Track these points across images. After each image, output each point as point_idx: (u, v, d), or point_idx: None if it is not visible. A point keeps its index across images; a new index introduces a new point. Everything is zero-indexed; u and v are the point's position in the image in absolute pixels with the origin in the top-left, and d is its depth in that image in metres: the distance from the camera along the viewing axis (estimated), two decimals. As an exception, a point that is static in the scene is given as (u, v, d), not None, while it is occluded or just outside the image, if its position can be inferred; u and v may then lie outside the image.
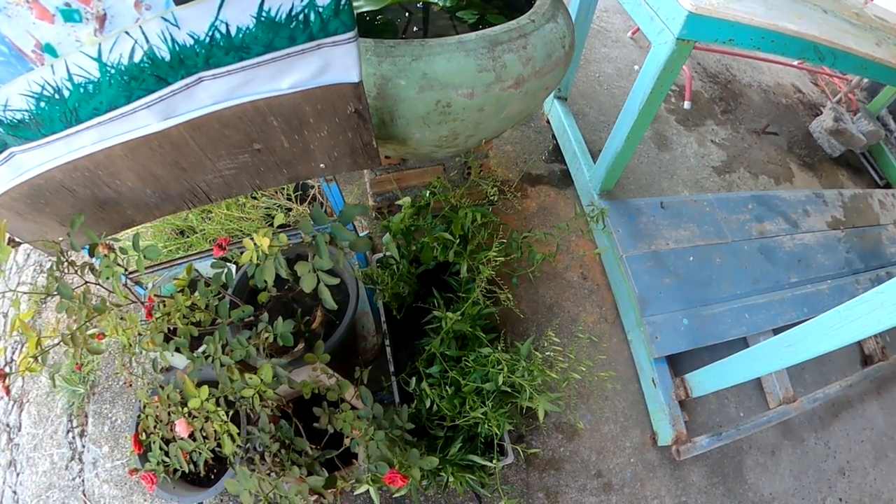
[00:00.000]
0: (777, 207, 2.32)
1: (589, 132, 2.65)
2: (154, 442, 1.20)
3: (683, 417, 1.76)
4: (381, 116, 1.25)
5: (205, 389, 1.06)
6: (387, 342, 1.52)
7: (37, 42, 0.80)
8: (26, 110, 0.91)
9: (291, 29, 0.88)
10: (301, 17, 0.86)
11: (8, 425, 1.89)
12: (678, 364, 1.92)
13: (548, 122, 2.69)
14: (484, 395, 1.37)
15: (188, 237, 1.77)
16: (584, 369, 1.42)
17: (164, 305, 1.21)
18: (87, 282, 1.17)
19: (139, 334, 1.16)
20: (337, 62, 0.97)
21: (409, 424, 1.28)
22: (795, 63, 3.54)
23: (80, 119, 0.95)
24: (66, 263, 1.15)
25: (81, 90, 0.89)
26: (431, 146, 1.38)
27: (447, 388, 1.40)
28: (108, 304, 1.13)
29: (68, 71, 0.86)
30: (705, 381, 1.69)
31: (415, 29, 1.53)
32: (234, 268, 1.33)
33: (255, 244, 0.92)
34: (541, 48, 1.32)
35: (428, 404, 1.39)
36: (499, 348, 1.38)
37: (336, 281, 0.97)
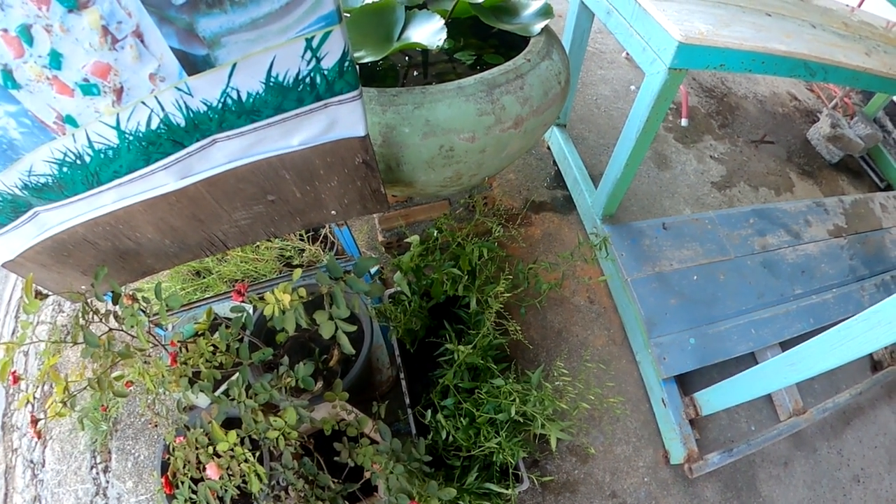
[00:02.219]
0: (778, 220, 2.34)
1: (589, 156, 2.70)
2: (183, 482, 1.24)
3: (694, 435, 1.78)
4: (387, 162, 1.30)
5: (233, 434, 1.10)
6: (402, 376, 1.56)
7: (58, 114, 0.85)
8: (49, 175, 0.96)
9: (299, 91, 0.92)
10: (307, 80, 0.91)
11: (32, 461, 1.92)
12: (687, 382, 1.94)
13: (548, 148, 2.73)
14: (497, 426, 1.41)
15: (204, 278, 1.83)
16: (592, 398, 1.46)
17: (187, 350, 1.25)
18: (110, 328, 1.21)
19: (163, 376, 1.21)
20: (343, 118, 1.01)
21: (427, 457, 1.31)
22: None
23: (101, 181, 1.00)
24: (91, 313, 1.20)
25: (102, 156, 0.94)
26: (437, 186, 1.43)
27: (462, 419, 1.44)
28: (131, 349, 1.18)
29: (89, 139, 0.91)
30: (714, 399, 1.71)
31: (415, 73, 1.59)
32: (251, 308, 1.38)
33: (276, 299, 0.97)
34: (537, 87, 1.37)
35: (444, 435, 1.43)
36: (510, 379, 1.42)
37: (354, 328, 1.01)
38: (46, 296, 1.31)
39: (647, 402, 1.95)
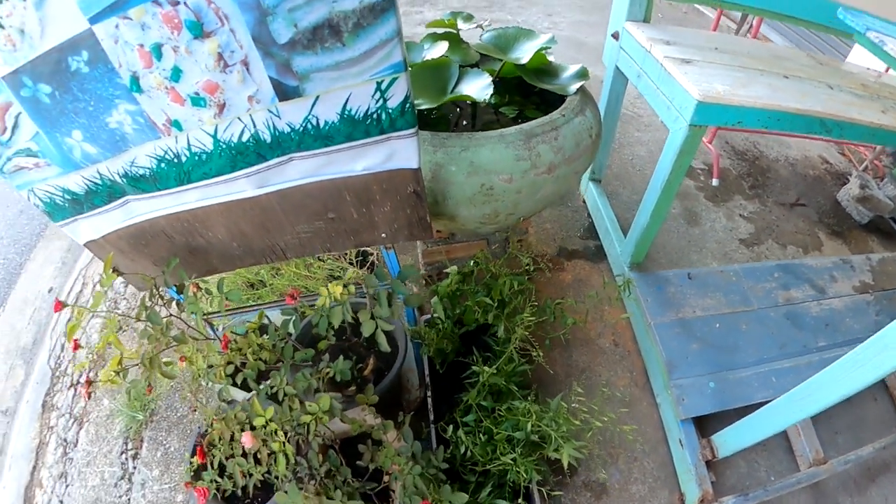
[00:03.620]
0: (803, 275, 2.37)
1: (622, 210, 2.81)
2: (214, 457, 1.31)
3: (710, 478, 1.79)
4: (434, 196, 1.47)
5: (270, 410, 1.20)
6: (428, 393, 1.67)
7: (167, 118, 1.04)
8: (148, 168, 1.15)
9: (367, 125, 1.09)
10: (375, 116, 1.08)
11: (65, 440, 2.04)
12: (707, 427, 1.94)
13: (583, 201, 2.89)
14: (514, 443, 1.49)
15: (258, 290, 2.00)
16: (606, 419, 1.53)
17: (237, 342, 1.38)
18: (171, 314, 1.35)
19: (210, 366, 1.32)
20: (401, 151, 1.17)
21: (444, 464, 1.39)
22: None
23: (191, 180, 1.18)
24: (157, 296, 1.34)
25: (196, 158, 1.13)
26: (476, 222, 1.59)
27: (481, 435, 1.53)
28: (186, 335, 1.31)
29: (188, 142, 1.09)
30: (729, 440, 1.73)
31: (464, 122, 1.79)
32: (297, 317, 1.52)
33: (329, 291, 1.12)
34: (570, 139, 1.53)
35: (462, 451, 1.51)
36: (530, 400, 1.52)
37: (392, 327, 1.15)
38: (121, 273, 1.45)
39: (666, 444, 1.97)
